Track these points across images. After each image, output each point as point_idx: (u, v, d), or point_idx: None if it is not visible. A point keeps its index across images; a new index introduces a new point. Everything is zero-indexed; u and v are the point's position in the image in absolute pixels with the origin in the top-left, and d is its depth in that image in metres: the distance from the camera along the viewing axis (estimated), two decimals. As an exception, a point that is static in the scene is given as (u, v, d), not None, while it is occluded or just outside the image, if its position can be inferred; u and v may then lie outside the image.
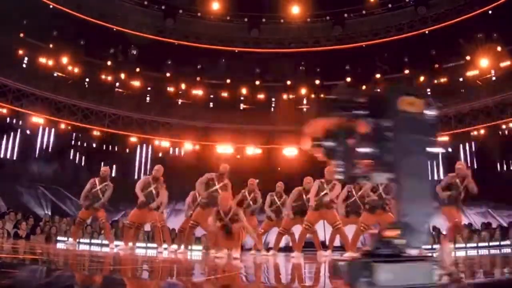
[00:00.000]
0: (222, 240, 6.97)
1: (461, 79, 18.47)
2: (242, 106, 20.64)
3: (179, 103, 20.43)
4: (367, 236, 7.70)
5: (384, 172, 2.14)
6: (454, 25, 16.96)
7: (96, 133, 18.92)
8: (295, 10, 18.24)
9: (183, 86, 19.71)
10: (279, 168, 19.56)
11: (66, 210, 17.17)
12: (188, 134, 19.53)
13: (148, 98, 20.20)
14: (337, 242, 9.08)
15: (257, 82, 19.98)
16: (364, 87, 19.62)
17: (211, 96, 20.39)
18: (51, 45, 17.70)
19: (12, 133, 18.20)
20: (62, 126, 18.41)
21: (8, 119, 17.76)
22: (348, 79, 19.55)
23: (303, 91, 19.86)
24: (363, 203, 8.10)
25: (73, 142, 19.72)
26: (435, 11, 17.64)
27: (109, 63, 18.90)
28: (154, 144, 19.99)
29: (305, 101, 20.39)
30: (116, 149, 20.16)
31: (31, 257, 4.66)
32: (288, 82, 20.00)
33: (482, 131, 17.70)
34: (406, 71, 18.89)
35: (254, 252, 9.15)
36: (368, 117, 2.17)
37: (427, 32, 17.71)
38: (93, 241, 12.71)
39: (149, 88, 19.92)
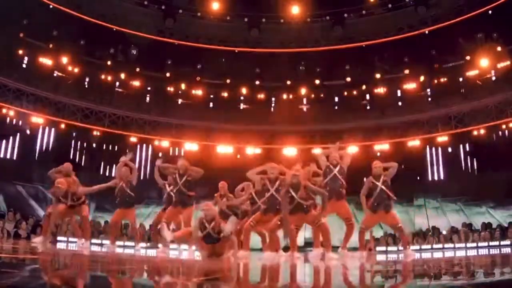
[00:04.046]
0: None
1: (461, 79, 18.47)
2: (242, 106, 20.64)
3: (179, 103, 20.43)
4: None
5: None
6: (454, 25, 16.94)
7: (96, 133, 18.92)
8: (295, 10, 18.22)
9: (183, 86, 19.71)
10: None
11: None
12: (188, 134, 19.53)
13: (148, 98, 20.21)
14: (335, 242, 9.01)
15: (257, 82, 19.98)
16: (364, 87, 19.77)
17: (211, 96, 20.39)
18: (51, 45, 17.70)
19: (12, 133, 18.19)
20: (62, 126, 18.42)
21: (8, 119, 17.75)
22: (348, 79, 19.58)
23: (303, 91, 19.86)
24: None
25: (73, 142, 19.70)
26: (435, 11, 17.63)
27: (109, 63, 18.90)
28: (154, 144, 19.97)
29: (305, 101, 20.40)
30: (116, 149, 20.12)
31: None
32: (288, 82, 19.98)
33: (482, 131, 17.67)
34: (406, 71, 18.89)
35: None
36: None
37: (427, 32, 17.70)
38: (93, 240, 12.67)
39: (149, 88, 19.92)
